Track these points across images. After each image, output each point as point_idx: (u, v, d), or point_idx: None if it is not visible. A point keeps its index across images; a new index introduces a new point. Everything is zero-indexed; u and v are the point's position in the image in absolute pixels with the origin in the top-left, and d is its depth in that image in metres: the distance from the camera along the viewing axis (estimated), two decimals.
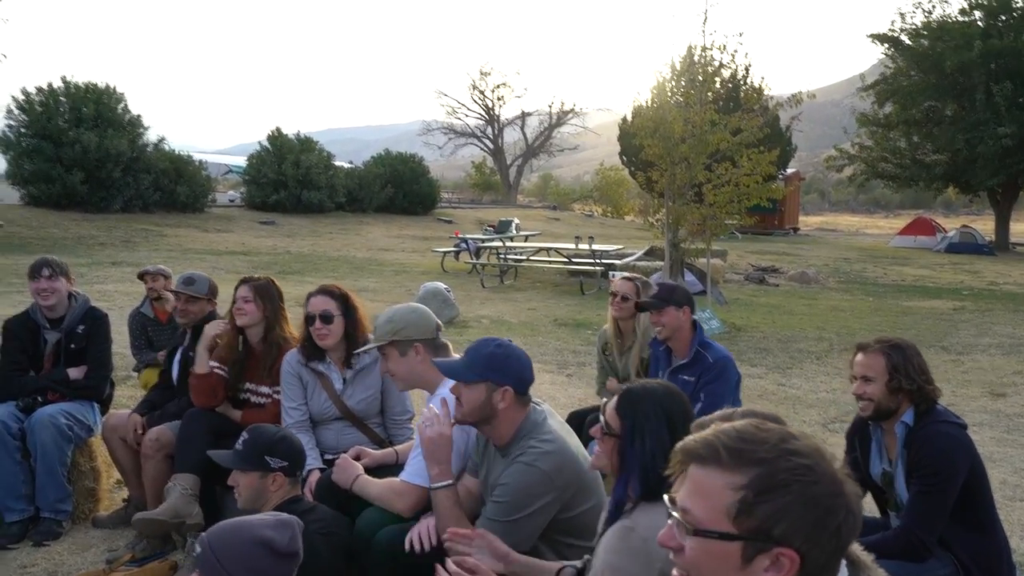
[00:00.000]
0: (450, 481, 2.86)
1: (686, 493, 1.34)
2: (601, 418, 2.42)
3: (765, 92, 20.54)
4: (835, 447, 6.32)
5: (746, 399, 7.71)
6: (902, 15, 35.84)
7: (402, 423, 4.11)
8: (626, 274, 5.49)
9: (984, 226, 37.67)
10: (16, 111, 27.99)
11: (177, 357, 4.65)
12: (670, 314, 4.31)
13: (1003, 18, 33.74)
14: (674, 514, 1.36)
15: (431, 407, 2.99)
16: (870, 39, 34.81)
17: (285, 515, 2.42)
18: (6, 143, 27.75)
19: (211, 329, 4.26)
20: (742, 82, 24.66)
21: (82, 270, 14.55)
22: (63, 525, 4.41)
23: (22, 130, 27.83)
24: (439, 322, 3.51)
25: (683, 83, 12.57)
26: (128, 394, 6.49)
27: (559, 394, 7.59)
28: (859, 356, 3.18)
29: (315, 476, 3.66)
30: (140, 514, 3.98)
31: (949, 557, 3.00)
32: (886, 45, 35.57)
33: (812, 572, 1.30)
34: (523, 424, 2.86)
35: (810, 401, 7.87)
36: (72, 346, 4.63)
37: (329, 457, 3.82)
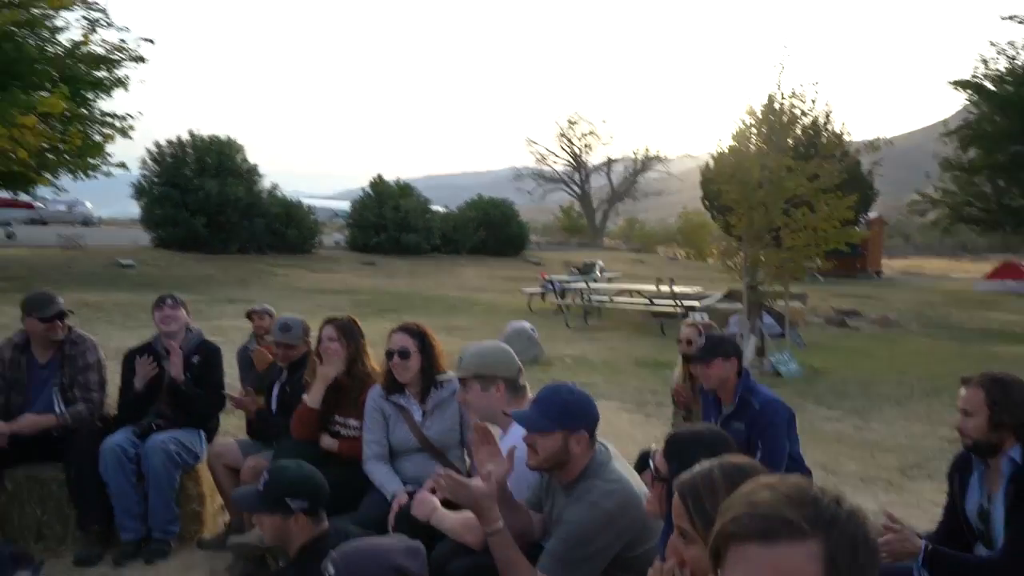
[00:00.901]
0: (499, 527, 2.77)
1: None
2: (651, 463, 2.37)
3: (845, 138, 19.97)
4: (912, 494, 6.05)
5: (822, 442, 7.48)
6: (984, 61, 34.51)
7: None
8: (692, 319, 5.43)
9: None
10: (149, 162, 29.55)
11: (275, 392, 4.78)
12: (717, 366, 4.21)
13: None
14: None
15: (447, 473, 2.93)
16: (952, 86, 33.58)
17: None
18: (140, 190, 29.28)
19: (331, 371, 4.26)
20: (823, 129, 24.11)
21: (201, 307, 15.10)
22: (171, 545, 4.53)
23: (154, 179, 29.33)
24: (521, 365, 3.52)
25: (763, 130, 12.38)
26: (234, 423, 6.66)
27: (637, 432, 7.47)
28: (961, 390, 3.04)
29: (398, 502, 3.69)
30: (235, 538, 4.08)
31: None
32: (969, 91, 34.27)
33: None
34: (589, 464, 2.81)
35: (888, 446, 7.53)
36: (187, 374, 4.76)
37: (411, 489, 3.83)
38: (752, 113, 12.80)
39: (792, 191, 11.41)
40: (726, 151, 14.72)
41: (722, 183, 11.99)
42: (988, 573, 2.85)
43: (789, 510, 1.18)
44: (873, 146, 12.94)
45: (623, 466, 2.92)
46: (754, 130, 12.70)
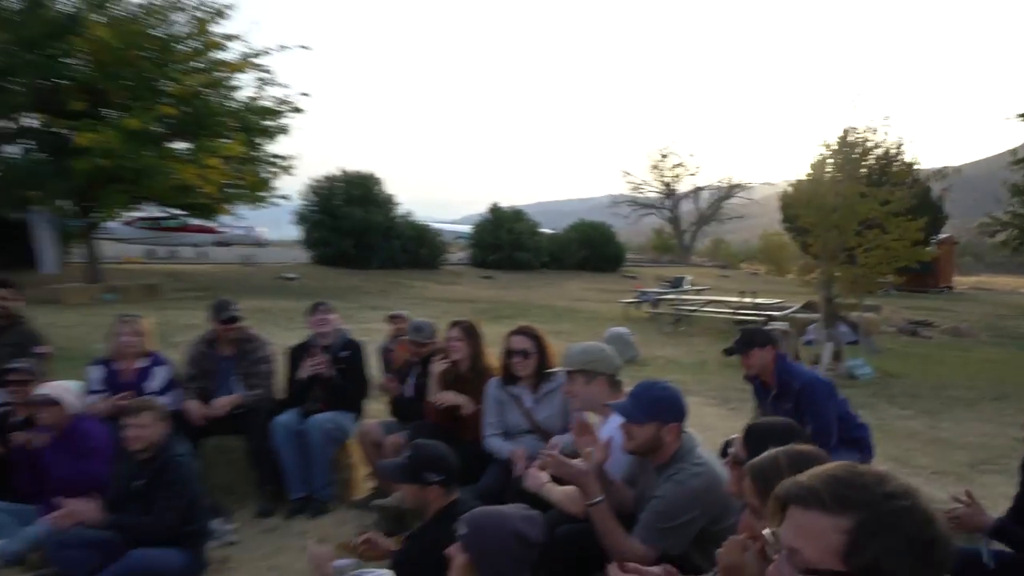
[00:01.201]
0: (599, 499, 2.81)
1: (792, 533, 1.26)
2: (730, 450, 2.39)
3: (916, 166, 18.90)
4: (982, 487, 5.68)
5: (895, 438, 7.13)
6: None
7: None
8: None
9: None
10: (308, 194, 30.92)
11: (411, 381, 4.97)
12: (755, 355, 4.16)
13: None
14: (781, 550, 1.27)
15: (553, 454, 2.99)
16: (1020, 118, 31.17)
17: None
18: (301, 217, 30.65)
19: (436, 368, 4.48)
20: (894, 159, 22.84)
21: (350, 312, 15.67)
22: (328, 505, 4.75)
23: (312, 208, 30.64)
24: (620, 362, 3.55)
25: (839, 160, 11.95)
26: (376, 407, 6.87)
27: (721, 424, 7.30)
28: None
29: (518, 453, 3.82)
30: (378, 500, 4.27)
31: None
32: None
33: None
34: (678, 450, 2.84)
35: (959, 444, 7.05)
36: (337, 366, 5.00)
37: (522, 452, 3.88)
38: (828, 146, 12.39)
39: (864, 215, 10.95)
40: (804, 179, 14.27)
41: (800, 208, 11.66)
42: None
43: (826, 487, 1.24)
44: (941, 174, 12.10)
45: (706, 452, 2.93)
46: (830, 161, 12.28)
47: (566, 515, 3.04)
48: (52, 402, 4.08)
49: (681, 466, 2.77)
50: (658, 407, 2.81)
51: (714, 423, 7.37)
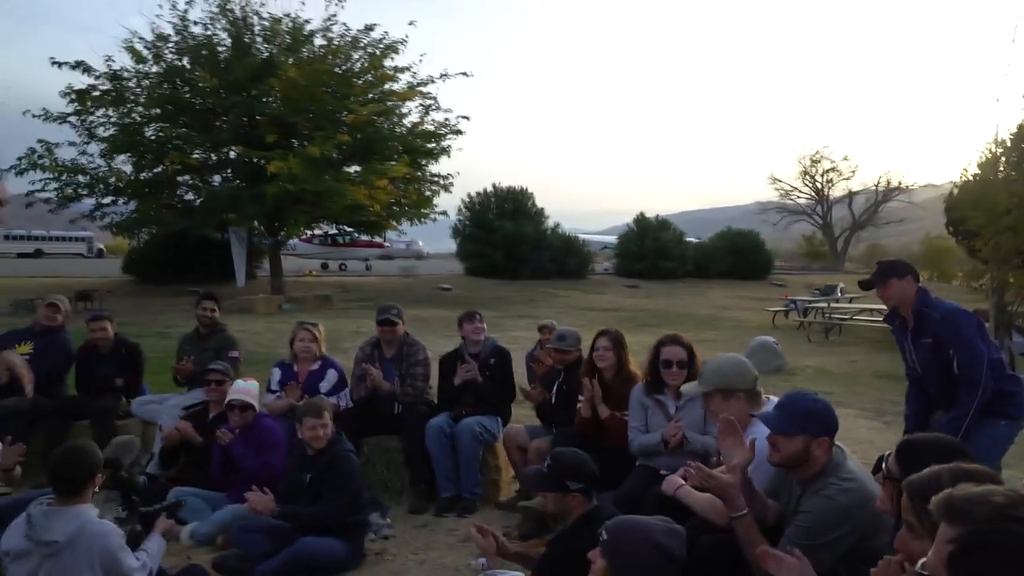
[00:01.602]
0: (744, 512, 2.66)
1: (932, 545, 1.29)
2: (883, 465, 2.17)
3: None
4: None
5: None
6: None
7: None
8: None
9: None
10: (463, 209, 31.97)
11: (555, 388, 4.94)
12: (893, 285, 3.78)
13: None
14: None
15: (697, 465, 2.85)
16: None
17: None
18: (456, 232, 31.77)
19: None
20: None
21: (500, 321, 15.98)
22: (476, 503, 4.79)
23: (466, 223, 31.68)
24: (757, 373, 3.36)
25: (1013, 158, 10.72)
26: (523, 412, 6.87)
27: (876, 438, 6.74)
28: None
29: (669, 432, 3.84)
30: (523, 503, 4.27)
31: None
32: None
33: None
34: (827, 463, 2.64)
35: None
36: (486, 372, 5.05)
37: (664, 473, 3.78)
38: (1000, 143, 11.15)
39: None
40: (971, 179, 12.93)
41: (967, 209, 10.57)
42: None
43: (955, 500, 1.25)
44: None
45: (857, 466, 2.70)
46: (1003, 159, 11.05)
47: (709, 524, 2.91)
48: (248, 406, 4.43)
49: (830, 481, 2.59)
50: (807, 419, 2.63)
51: (868, 436, 6.84)
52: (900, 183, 53.12)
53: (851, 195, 55.70)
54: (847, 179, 55.13)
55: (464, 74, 21.73)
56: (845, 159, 54.40)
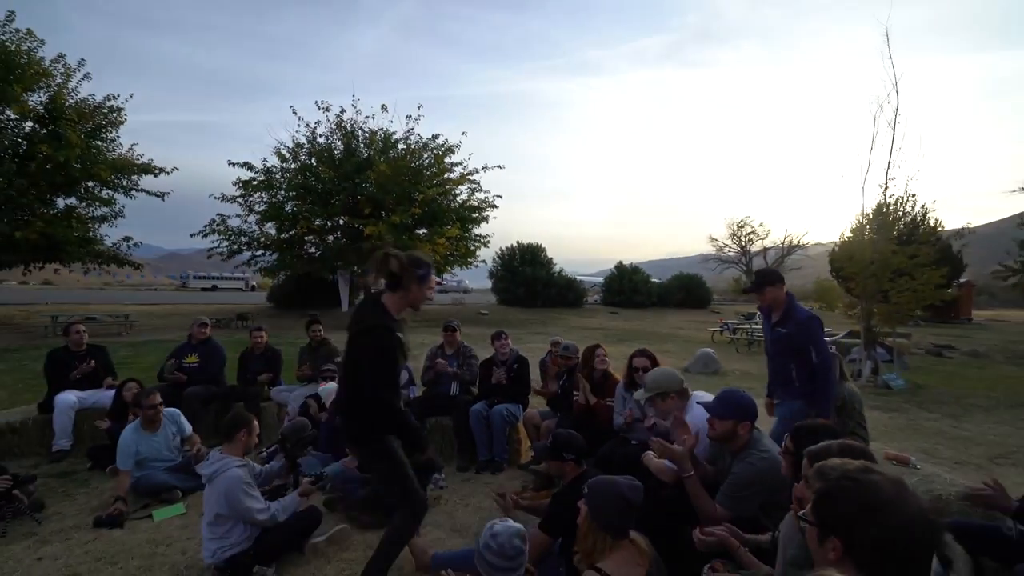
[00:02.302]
0: (691, 473, 2.65)
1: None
2: (783, 443, 2.12)
3: (939, 228, 16.06)
4: (1000, 478, 4.56)
5: (924, 435, 6.03)
6: None
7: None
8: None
9: None
10: (496, 259, 31.98)
11: (560, 385, 4.81)
12: (768, 292, 3.61)
13: None
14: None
15: (659, 440, 2.83)
16: (1019, 190, 25.19)
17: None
18: (492, 274, 31.70)
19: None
20: (920, 223, 19.51)
21: (521, 336, 15.82)
22: (503, 465, 4.68)
23: (499, 267, 31.69)
24: (682, 378, 3.32)
25: (875, 225, 10.52)
26: (538, 401, 6.71)
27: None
28: None
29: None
30: (534, 466, 4.25)
31: None
32: None
33: (860, 560, 1.13)
34: (749, 439, 2.64)
35: (979, 441, 5.86)
36: (511, 374, 4.93)
37: (634, 443, 3.69)
38: (865, 216, 10.98)
39: (896, 266, 9.49)
40: (847, 239, 12.72)
41: (844, 261, 10.28)
42: None
43: (824, 467, 1.31)
44: (959, 234, 9.99)
45: (770, 443, 2.67)
46: (868, 227, 10.84)
47: (663, 483, 2.89)
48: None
49: (751, 451, 2.59)
50: (736, 408, 2.65)
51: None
52: (798, 242, 52.31)
53: (765, 250, 54.74)
54: (762, 239, 54.39)
55: (499, 167, 22.02)
56: (761, 225, 53.78)
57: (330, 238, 21.28)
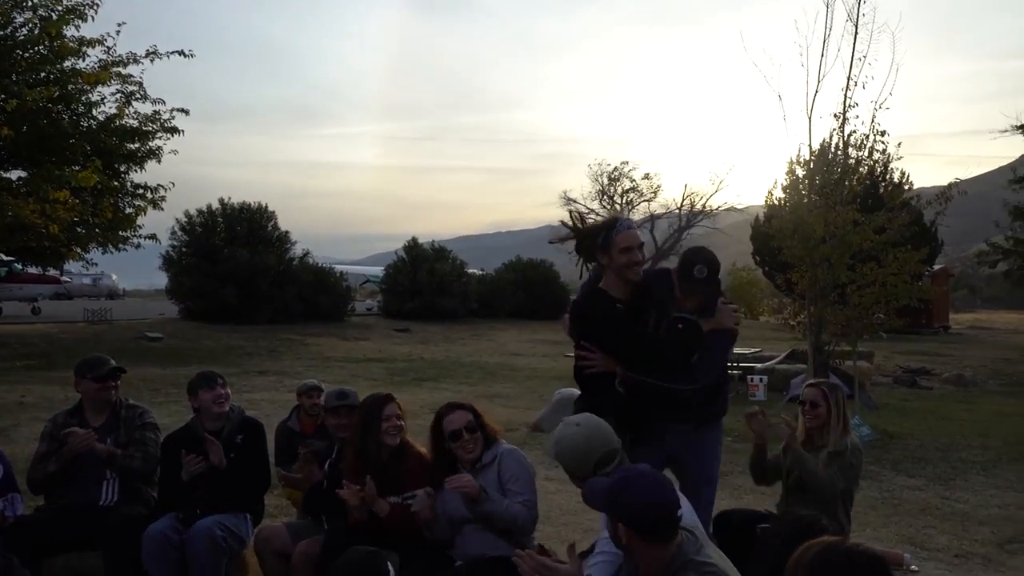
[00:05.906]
0: None
1: None
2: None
3: (906, 187, 19.20)
4: (1015, 571, 5.71)
5: (907, 514, 7.20)
6: None
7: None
8: (812, 381, 5.43)
9: None
10: (179, 232, 30.31)
11: (326, 468, 4.76)
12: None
13: None
14: None
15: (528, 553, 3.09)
16: (1013, 130, 32.20)
17: None
18: (169, 261, 29.98)
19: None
20: (880, 179, 23.49)
21: (232, 379, 14.74)
22: None
23: (183, 249, 30.06)
24: (605, 448, 3.51)
25: (817, 181, 12.15)
26: (275, 503, 6.53)
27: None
28: None
29: None
30: None
31: None
32: None
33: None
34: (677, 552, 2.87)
35: (980, 518, 7.12)
36: (232, 455, 4.73)
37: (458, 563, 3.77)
38: (802, 162, 12.57)
39: (858, 245, 11.08)
40: (782, 205, 14.45)
41: (783, 239, 11.64)
42: None
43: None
44: (945, 196, 11.58)
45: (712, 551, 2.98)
46: (806, 182, 12.45)
47: None
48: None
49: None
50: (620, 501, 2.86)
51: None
52: (705, 206, 58.40)
53: (653, 219, 60.42)
54: (648, 200, 59.62)
55: (181, 53, 20.79)
56: (647, 177, 58.78)
57: None
